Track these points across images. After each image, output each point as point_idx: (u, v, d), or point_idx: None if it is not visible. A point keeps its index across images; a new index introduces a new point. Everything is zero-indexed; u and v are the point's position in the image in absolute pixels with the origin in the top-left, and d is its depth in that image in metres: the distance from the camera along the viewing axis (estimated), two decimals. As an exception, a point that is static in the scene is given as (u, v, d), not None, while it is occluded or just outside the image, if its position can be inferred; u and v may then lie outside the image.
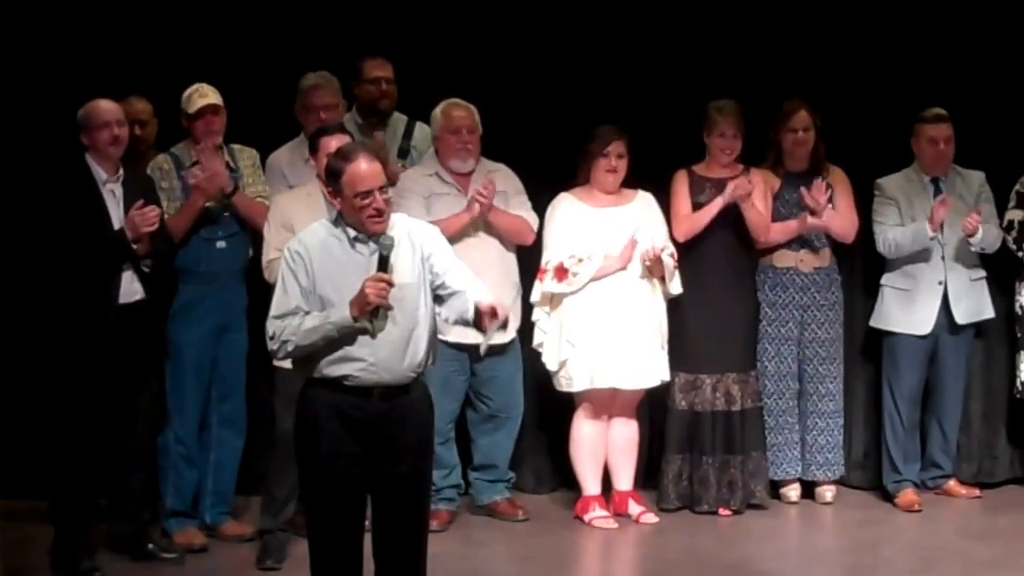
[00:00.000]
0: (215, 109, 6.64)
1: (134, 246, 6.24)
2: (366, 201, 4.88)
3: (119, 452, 6.42)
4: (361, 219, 4.90)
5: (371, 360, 4.91)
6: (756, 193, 7.26)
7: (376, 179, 4.90)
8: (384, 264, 4.88)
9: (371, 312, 4.86)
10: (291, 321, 4.91)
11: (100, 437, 6.33)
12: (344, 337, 4.89)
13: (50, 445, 6.43)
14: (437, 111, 7.08)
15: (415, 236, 5.03)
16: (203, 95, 6.64)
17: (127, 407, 6.39)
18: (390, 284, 4.86)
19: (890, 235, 7.33)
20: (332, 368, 4.93)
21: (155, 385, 6.59)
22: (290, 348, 4.93)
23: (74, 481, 6.33)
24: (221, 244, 6.67)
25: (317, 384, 4.97)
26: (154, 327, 6.52)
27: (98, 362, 6.25)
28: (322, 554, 5.05)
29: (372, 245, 4.93)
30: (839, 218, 7.33)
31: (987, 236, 7.29)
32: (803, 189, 7.19)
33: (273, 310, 4.98)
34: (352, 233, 4.94)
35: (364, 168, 4.90)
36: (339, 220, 4.97)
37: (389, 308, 4.88)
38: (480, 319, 4.90)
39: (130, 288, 6.33)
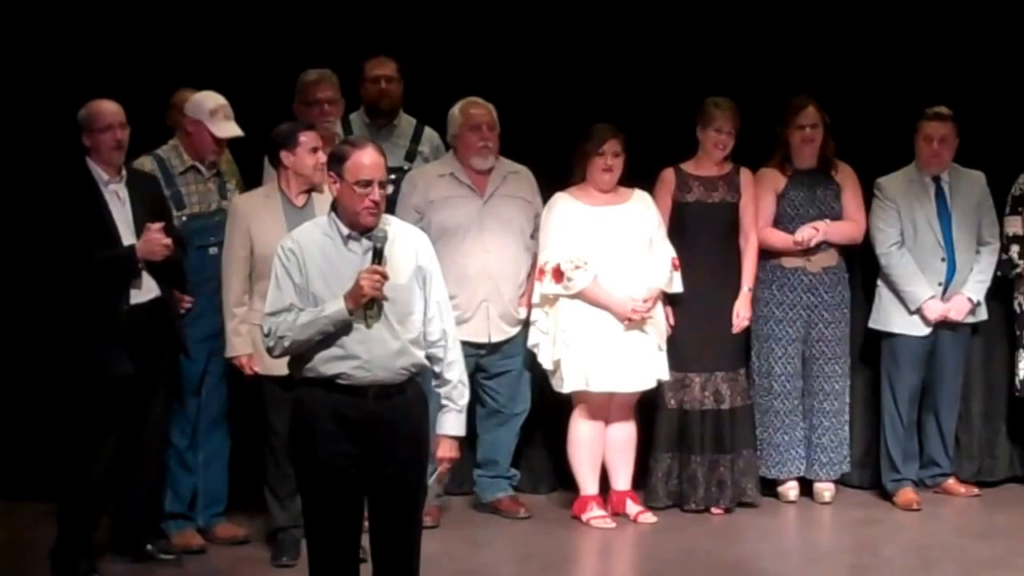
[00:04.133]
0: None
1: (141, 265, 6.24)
2: (365, 191, 4.90)
3: (131, 453, 6.38)
4: (356, 209, 4.92)
5: (365, 358, 4.91)
6: (747, 195, 7.27)
7: (379, 171, 4.93)
8: (378, 256, 4.90)
9: (366, 304, 4.88)
10: (286, 317, 4.93)
11: (114, 437, 6.28)
12: (339, 332, 4.90)
13: (62, 445, 6.41)
14: (455, 110, 7.07)
15: (413, 243, 5.05)
16: (228, 117, 6.56)
17: (143, 406, 6.36)
18: (384, 276, 4.88)
19: (894, 262, 7.30)
20: (326, 366, 4.94)
21: (169, 384, 6.56)
22: (287, 344, 4.95)
23: (79, 482, 6.30)
24: (214, 251, 6.63)
25: (312, 384, 4.98)
26: (170, 325, 6.48)
27: (112, 360, 6.20)
28: (321, 555, 5.05)
29: (365, 243, 4.94)
30: (841, 227, 7.31)
31: (985, 286, 7.34)
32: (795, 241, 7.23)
33: (268, 307, 5.00)
34: (345, 231, 4.95)
35: (371, 157, 4.93)
36: (331, 217, 4.98)
37: (384, 299, 4.90)
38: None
39: (146, 286, 6.30)
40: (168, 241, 6.23)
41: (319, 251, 4.96)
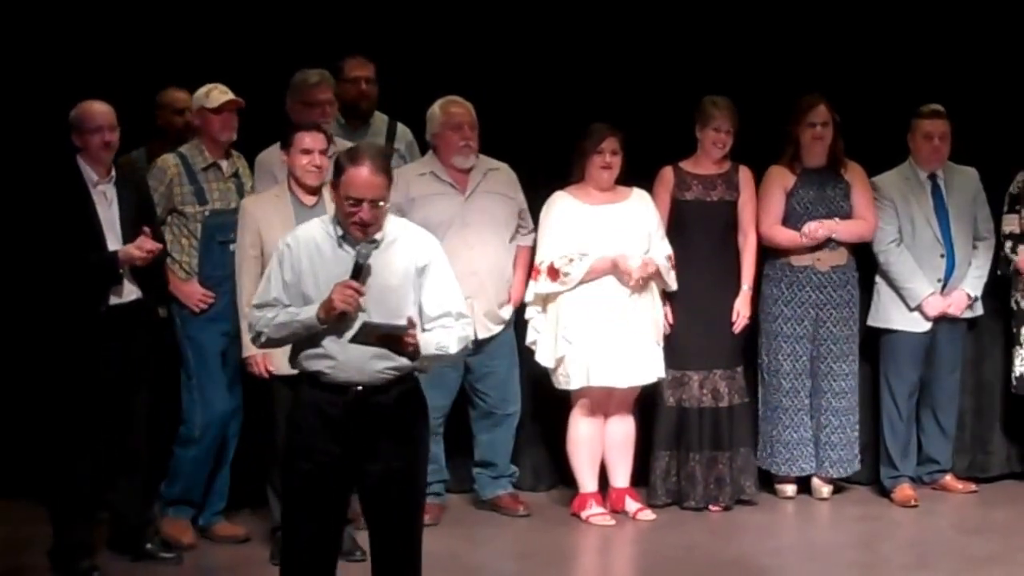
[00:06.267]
0: (235, 106, 6.66)
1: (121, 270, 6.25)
2: (353, 208, 4.92)
3: (118, 452, 6.41)
4: (346, 222, 4.96)
5: (340, 359, 4.96)
6: (745, 193, 7.29)
7: (370, 190, 4.91)
8: (358, 272, 4.92)
9: (337, 316, 4.91)
10: (267, 312, 5.00)
11: (98, 437, 6.32)
12: (318, 333, 4.96)
13: (48, 445, 6.41)
14: (435, 109, 7.08)
15: (413, 245, 5.06)
16: (224, 91, 6.65)
17: (126, 406, 6.38)
18: (359, 292, 4.90)
19: (892, 259, 7.34)
20: (309, 363, 5.02)
21: (154, 384, 6.56)
22: (263, 340, 5.06)
23: (73, 481, 6.32)
24: (234, 247, 6.66)
25: (303, 379, 5.06)
26: (152, 326, 6.51)
27: (94, 361, 6.23)
28: (292, 547, 5.11)
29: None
30: (851, 226, 7.30)
31: (982, 280, 7.39)
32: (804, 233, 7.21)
33: (255, 299, 5.10)
34: (340, 232, 4.99)
35: (363, 176, 4.91)
36: (334, 217, 5.02)
37: (360, 311, 4.92)
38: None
39: (127, 287, 6.31)
40: (142, 255, 6.21)
41: (315, 248, 5.01)
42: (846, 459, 7.41)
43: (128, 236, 6.28)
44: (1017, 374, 7.48)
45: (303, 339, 4.99)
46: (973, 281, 7.40)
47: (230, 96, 6.65)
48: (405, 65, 7.45)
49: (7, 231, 6.53)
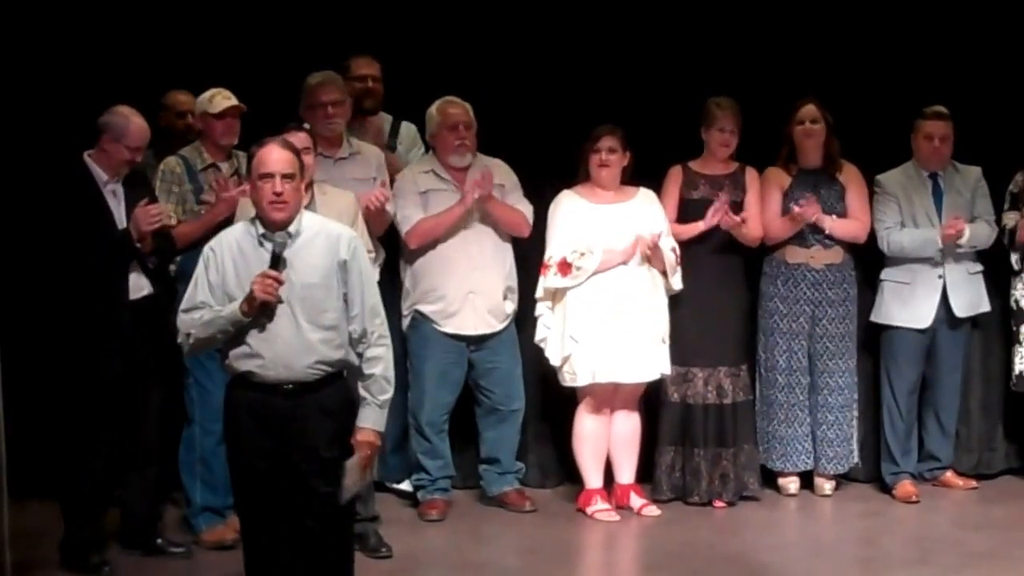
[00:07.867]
0: (237, 112, 6.73)
1: (138, 244, 6.28)
2: (266, 184, 5.00)
3: (130, 447, 6.46)
4: (263, 204, 5.03)
5: (268, 357, 5.04)
6: (751, 192, 7.34)
7: (280, 165, 5.02)
8: (276, 261, 5.00)
9: (259, 307, 4.99)
10: (194, 315, 5.09)
11: (111, 432, 6.37)
12: (245, 330, 5.03)
13: (61, 440, 6.46)
14: (433, 109, 7.17)
15: (334, 241, 5.12)
16: (227, 97, 6.71)
17: (137, 402, 6.43)
18: (278, 281, 4.98)
19: (894, 237, 7.38)
20: (239, 363, 5.10)
21: (166, 380, 6.62)
22: (191, 342, 5.13)
23: (84, 476, 6.38)
24: None
25: (234, 380, 5.14)
26: (162, 322, 6.56)
27: (108, 358, 6.29)
28: (249, 544, 5.23)
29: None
30: (846, 225, 7.34)
31: (977, 234, 7.37)
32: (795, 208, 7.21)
33: (183, 304, 5.17)
34: (260, 230, 5.08)
35: (272, 153, 5.04)
36: (256, 218, 5.12)
37: (279, 302, 5.00)
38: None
39: (137, 284, 6.37)
40: (158, 211, 6.27)
41: (237, 249, 5.11)
42: (842, 455, 7.46)
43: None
44: (1017, 372, 7.53)
45: (230, 336, 5.05)
46: (969, 231, 7.34)
47: (233, 102, 6.71)
48: (410, 66, 7.49)
49: (22, 230, 6.59)
